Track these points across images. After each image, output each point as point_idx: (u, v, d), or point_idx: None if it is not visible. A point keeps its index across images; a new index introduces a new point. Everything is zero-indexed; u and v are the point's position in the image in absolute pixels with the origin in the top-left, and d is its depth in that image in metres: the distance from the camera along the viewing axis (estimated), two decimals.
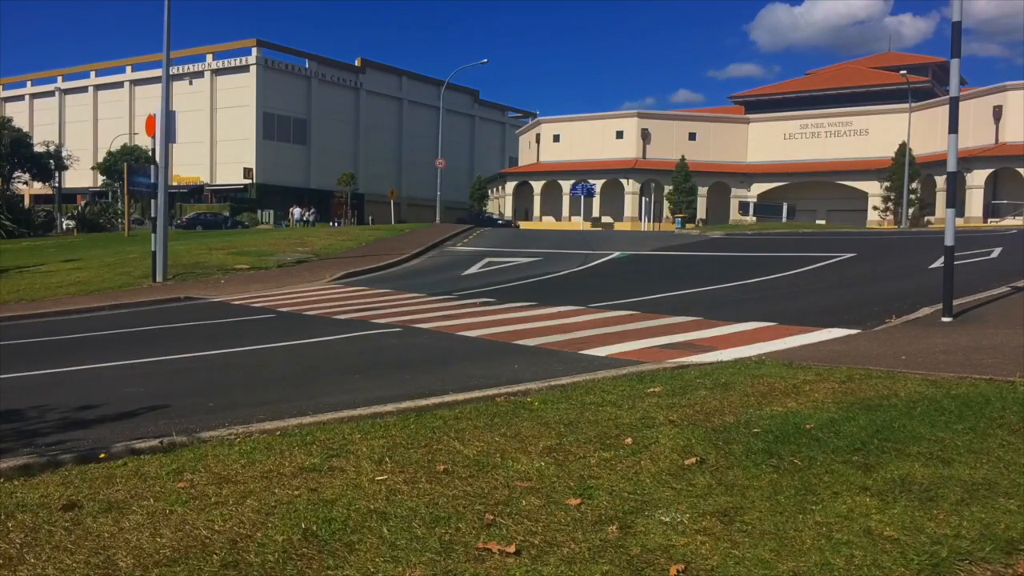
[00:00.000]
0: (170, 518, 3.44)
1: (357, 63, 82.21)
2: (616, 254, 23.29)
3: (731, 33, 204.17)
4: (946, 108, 10.46)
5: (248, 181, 70.61)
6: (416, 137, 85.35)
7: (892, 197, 54.97)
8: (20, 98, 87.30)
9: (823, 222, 54.36)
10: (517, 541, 3.09)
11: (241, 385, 7.34)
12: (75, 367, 8.48)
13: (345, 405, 5.76)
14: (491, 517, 3.35)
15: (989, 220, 50.46)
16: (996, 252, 18.84)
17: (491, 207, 73.18)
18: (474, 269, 20.31)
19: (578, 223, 58.63)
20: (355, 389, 6.69)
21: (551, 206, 68.31)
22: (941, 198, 51.05)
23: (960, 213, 45.12)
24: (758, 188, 64.53)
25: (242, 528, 3.30)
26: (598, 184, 63.35)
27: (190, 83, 73.65)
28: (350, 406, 5.68)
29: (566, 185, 65.33)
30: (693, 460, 4.05)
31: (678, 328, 9.73)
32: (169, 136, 18.80)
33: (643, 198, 62.29)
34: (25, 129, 59.12)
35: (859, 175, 59.97)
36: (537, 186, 68.81)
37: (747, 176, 65.10)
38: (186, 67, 73.42)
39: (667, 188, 61.06)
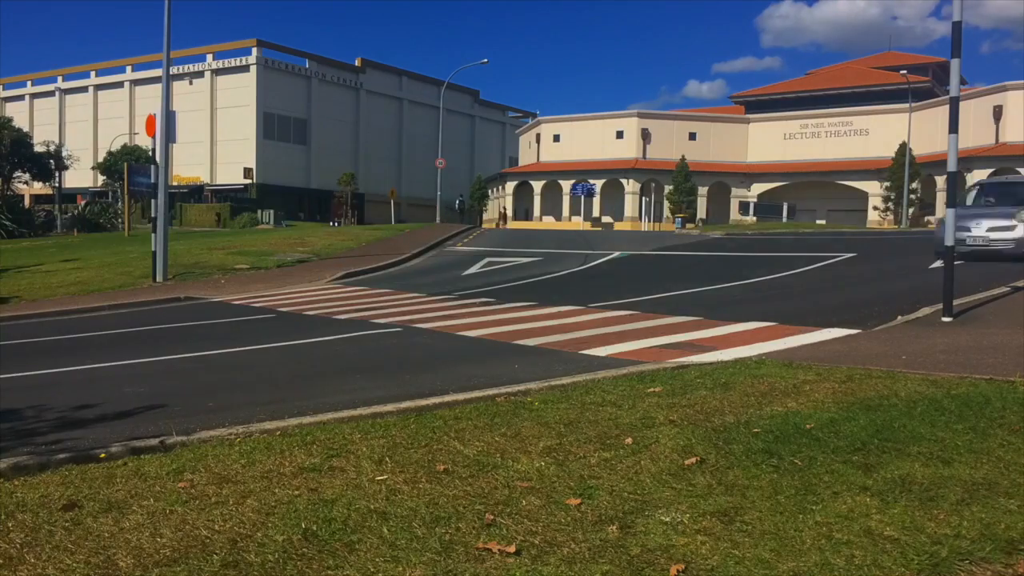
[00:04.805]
0: (170, 518, 3.44)
1: (357, 63, 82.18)
2: (616, 254, 23.29)
3: (738, 30, 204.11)
4: (946, 108, 10.45)
5: (248, 181, 70.61)
6: (416, 137, 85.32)
7: (892, 197, 54.98)
8: (20, 98, 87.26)
9: (823, 222, 54.36)
10: (517, 541, 3.09)
11: (241, 385, 7.34)
12: (74, 367, 8.48)
13: (345, 405, 5.76)
14: (491, 517, 3.35)
15: None
16: None
17: (490, 207, 73.13)
18: (474, 269, 20.30)
19: (578, 223, 58.64)
20: (355, 389, 6.68)
21: (551, 206, 68.31)
22: (941, 198, 51.01)
23: None
24: (758, 188, 64.52)
25: (242, 528, 3.30)
26: (598, 184, 63.35)
27: (190, 83, 73.65)
28: (350, 406, 5.67)
29: (566, 185, 65.33)
30: (693, 460, 4.05)
31: (678, 328, 9.73)
32: (169, 136, 18.79)
33: (643, 198, 62.29)
34: (25, 129, 59.01)
35: (859, 175, 59.96)
36: (537, 186, 68.81)
37: (747, 176, 65.09)
38: (186, 67, 73.40)
39: (667, 188, 61.05)
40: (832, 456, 4.03)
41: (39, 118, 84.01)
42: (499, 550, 3.00)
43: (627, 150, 66.16)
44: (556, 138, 70.24)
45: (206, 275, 19.14)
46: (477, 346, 9.08)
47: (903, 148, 52.34)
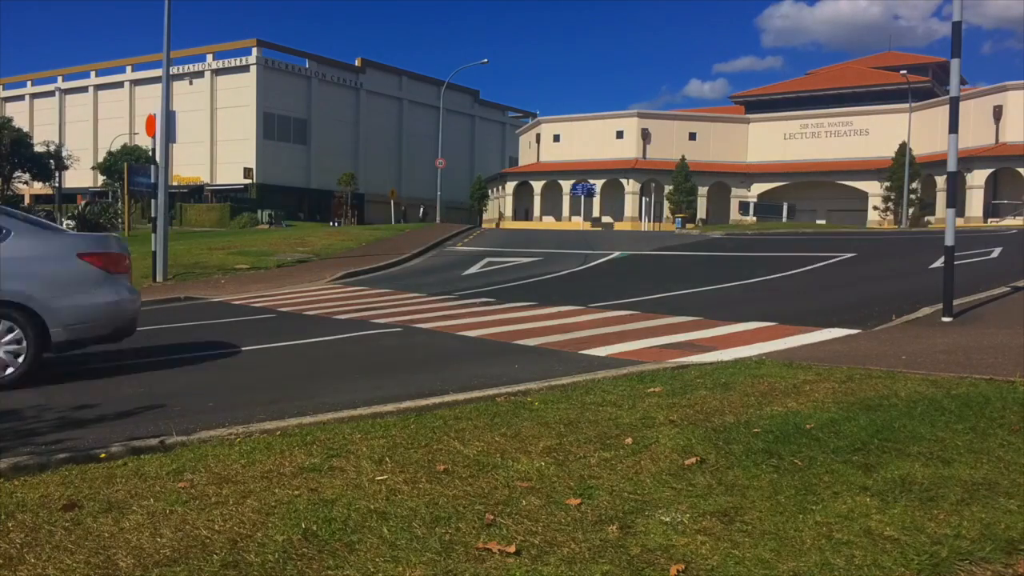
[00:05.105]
0: (170, 518, 3.44)
1: (357, 63, 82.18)
2: (616, 254, 23.29)
3: (738, 30, 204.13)
4: (946, 108, 10.46)
5: (248, 181, 70.62)
6: (416, 137, 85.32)
7: (892, 197, 54.99)
8: (20, 98, 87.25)
9: (823, 222, 54.36)
10: (517, 541, 3.09)
11: (240, 385, 7.34)
12: (74, 367, 8.47)
13: (345, 405, 5.76)
14: (491, 517, 3.35)
15: (989, 220, 50.48)
16: (996, 252, 18.85)
17: (490, 206, 73.22)
18: (474, 269, 20.31)
19: (578, 223, 58.64)
20: (355, 389, 6.68)
21: (551, 206, 68.31)
22: (941, 198, 51.05)
23: (960, 213, 45.11)
24: (758, 188, 64.52)
25: (242, 528, 3.30)
26: (598, 184, 63.34)
27: (190, 83, 73.65)
28: (350, 406, 5.67)
29: (566, 185, 65.33)
30: (693, 460, 4.05)
31: (678, 328, 9.73)
32: (169, 136, 18.80)
33: (643, 198, 62.31)
34: (25, 129, 59.11)
35: (859, 175, 59.97)
36: (537, 186, 68.81)
37: (747, 176, 65.10)
38: (186, 67, 73.41)
39: (667, 188, 61.06)
40: (832, 456, 4.03)
41: (39, 118, 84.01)
42: (499, 550, 3.00)
43: (627, 150, 66.16)
44: (556, 138, 70.24)
45: (206, 275, 19.14)
46: (477, 346, 9.08)
47: (903, 148, 52.37)
